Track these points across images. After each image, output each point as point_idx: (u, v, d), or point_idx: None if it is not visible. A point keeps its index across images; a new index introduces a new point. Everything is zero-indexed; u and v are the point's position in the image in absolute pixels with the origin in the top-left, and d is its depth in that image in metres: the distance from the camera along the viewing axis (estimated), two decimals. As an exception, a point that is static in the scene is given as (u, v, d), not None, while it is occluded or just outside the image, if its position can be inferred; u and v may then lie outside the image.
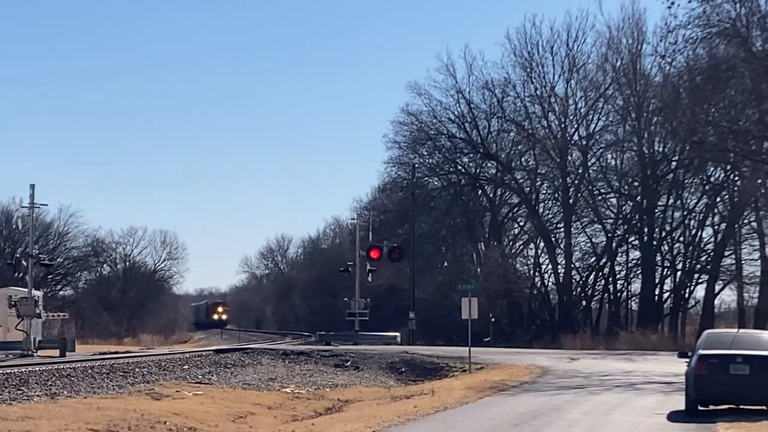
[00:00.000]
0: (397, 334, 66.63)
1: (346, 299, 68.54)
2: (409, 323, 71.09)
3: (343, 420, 22.67)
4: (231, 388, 35.87)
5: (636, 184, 79.44)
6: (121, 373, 38.96)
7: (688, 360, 23.84)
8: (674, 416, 22.68)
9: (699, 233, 77.54)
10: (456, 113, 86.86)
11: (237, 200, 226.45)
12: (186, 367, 44.37)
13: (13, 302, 55.19)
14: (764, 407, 22.75)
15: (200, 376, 39.89)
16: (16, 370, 35.93)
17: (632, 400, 27.04)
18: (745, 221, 72.00)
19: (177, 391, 32.87)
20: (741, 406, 23.03)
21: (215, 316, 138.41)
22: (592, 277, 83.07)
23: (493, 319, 67.79)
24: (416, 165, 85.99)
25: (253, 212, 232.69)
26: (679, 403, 23.93)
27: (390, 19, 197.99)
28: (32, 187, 56.99)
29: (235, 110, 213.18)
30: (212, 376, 40.77)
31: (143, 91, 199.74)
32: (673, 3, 46.45)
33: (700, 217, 77.52)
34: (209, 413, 27.42)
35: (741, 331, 28.51)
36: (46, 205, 63.22)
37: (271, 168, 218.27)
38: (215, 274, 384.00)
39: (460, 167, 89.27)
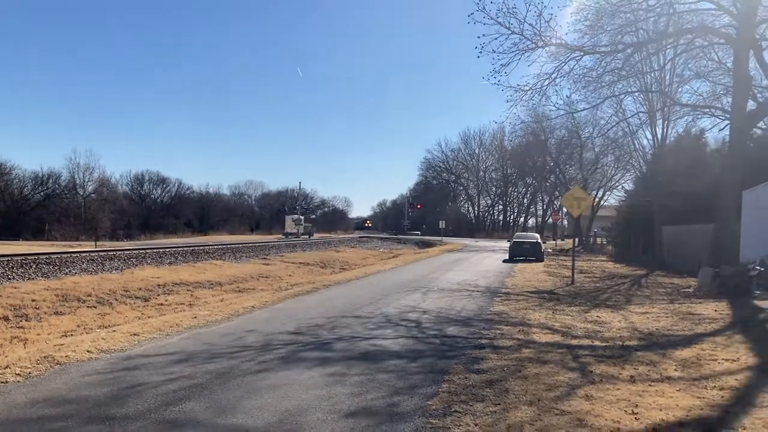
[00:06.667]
0: None
1: None
2: None
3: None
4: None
5: None
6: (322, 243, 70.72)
7: (509, 241, 65.03)
8: (503, 261, 56.10)
9: None
10: None
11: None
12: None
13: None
14: (532, 258, 60.34)
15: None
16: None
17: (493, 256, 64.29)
18: None
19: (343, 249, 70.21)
20: (526, 258, 60.33)
21: None
22: None
23: None
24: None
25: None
26: (505, 255, 62.01)
27: None
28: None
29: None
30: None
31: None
32: None
33: None
34: (357, 257, 63.83)
35: (517, 233, 67.47)
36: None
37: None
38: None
39: None
